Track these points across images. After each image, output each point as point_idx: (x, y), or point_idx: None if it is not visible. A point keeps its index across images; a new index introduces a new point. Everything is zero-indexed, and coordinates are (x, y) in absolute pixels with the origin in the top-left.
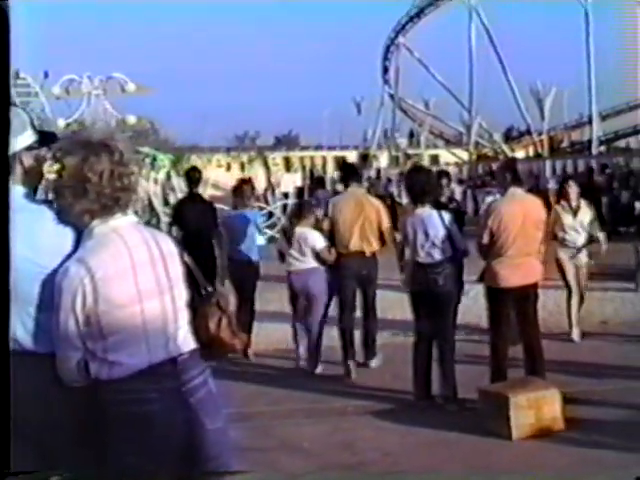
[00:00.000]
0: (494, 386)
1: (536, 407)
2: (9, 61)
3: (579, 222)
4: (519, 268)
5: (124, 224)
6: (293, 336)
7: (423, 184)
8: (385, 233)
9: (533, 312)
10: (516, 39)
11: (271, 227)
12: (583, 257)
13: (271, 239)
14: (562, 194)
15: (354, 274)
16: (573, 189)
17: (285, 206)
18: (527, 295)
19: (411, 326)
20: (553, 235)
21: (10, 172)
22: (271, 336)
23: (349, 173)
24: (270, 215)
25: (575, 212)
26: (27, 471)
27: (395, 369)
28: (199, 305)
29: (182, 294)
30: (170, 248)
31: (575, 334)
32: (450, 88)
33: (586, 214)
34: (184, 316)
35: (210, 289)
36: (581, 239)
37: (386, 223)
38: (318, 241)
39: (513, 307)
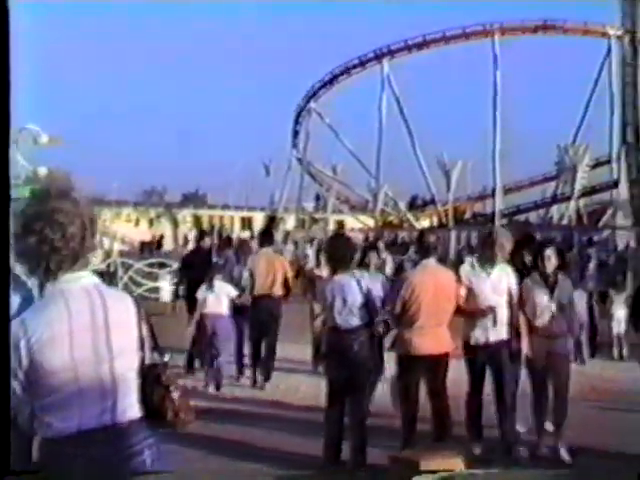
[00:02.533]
0: (404, 452)
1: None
2: (9, 61)
3: (557, 301)
4: (430, 337)
5: (73, 286)
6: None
7: (343, 251)
8: (289, 281)
9: (442, 380)
10: (426, 111)
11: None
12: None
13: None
14: (535, 263)
15: (265, 308)
16: (551, 258)
17: None
18: (437, 364)
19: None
20: (526, 319)
21: (10, 172)
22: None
23: (264, 237)
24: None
25: (552, 288)
26: (27, 471)
27: (306, 431)
28: (146, 377)
29: (128, 364)
30: (120, 317)
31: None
32: (358, 155)
33: (565, 290)
34: (129, 386)
35: (161, 360)
36: (558, 327)
37: (289, 274)
38: (232, 290)
39: (423, 375)
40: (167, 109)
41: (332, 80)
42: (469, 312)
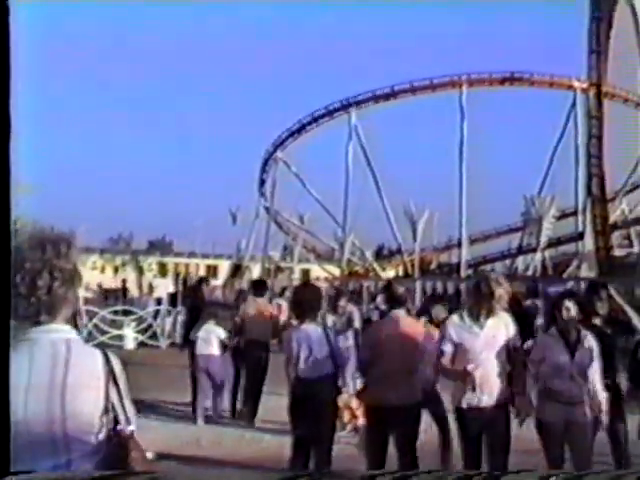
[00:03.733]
0: None
1: None
2: (9, 61)
3: (578, 365)
4: (397, 388)
5: (41, 338)
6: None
7: (310, 300)
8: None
9: (411, 431)
10: (393, 161)
11: (142, 332)
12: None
13: (141, 344)
14: (553, 317)
15: (256, 349)
16: (571, 311)
17: (157, 312)
18: (406, 415)
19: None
20: (536, 379)
21: (10, 170)
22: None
23: (257, 287)
24: (141, 320)
25: (574, 348)
26: (27, 471)
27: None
28: (109, 443)
29: (84, 426)
30: (82, 377)
31: None
32: (325, 204)
33: (587, 353)
34: (84, 448)
35: (127, 427)
36: (579, 392)
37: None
38: (222, 333)
39: (391, 427)
40: (134, 156)
41: (299, 129)
42: (454, 373)
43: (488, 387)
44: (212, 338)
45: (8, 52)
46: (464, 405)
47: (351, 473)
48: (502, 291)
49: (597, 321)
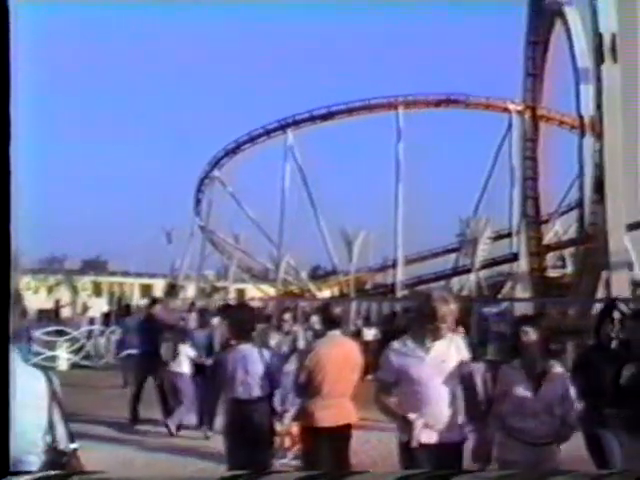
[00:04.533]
0: None
1: None
2: (9, 61)
3: (543, 401)
4: (333, 409)
5: None
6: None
7: (245, 320)
8: None
9: (345, 452)
10: (329, 181)
11: (75, 352)
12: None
13: (75, 365)
14: (512, 345)
15: None
16: (531, 335)
17: (90, 332)
18: (340, 435)
19: None
20: (498, 416)
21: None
22: None
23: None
24: (74, 340)
25: (538, 381)
26: (27, 471)
27: None
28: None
29: (27, 447)
30: (26, 399)
31: None
32: (261, 224)
33: (554, 386)
34: (28, 468)
35: (67, 447)
36: (546, 431)
37: None
38: (190, 352)
39: (326, 448)
40: (66, 173)
41: (236, 149)
42: (393, 414)
43: (438, 423)
44: (182, 357)
45: (8, 52)
46: (413, 443)
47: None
48: (448, 310)
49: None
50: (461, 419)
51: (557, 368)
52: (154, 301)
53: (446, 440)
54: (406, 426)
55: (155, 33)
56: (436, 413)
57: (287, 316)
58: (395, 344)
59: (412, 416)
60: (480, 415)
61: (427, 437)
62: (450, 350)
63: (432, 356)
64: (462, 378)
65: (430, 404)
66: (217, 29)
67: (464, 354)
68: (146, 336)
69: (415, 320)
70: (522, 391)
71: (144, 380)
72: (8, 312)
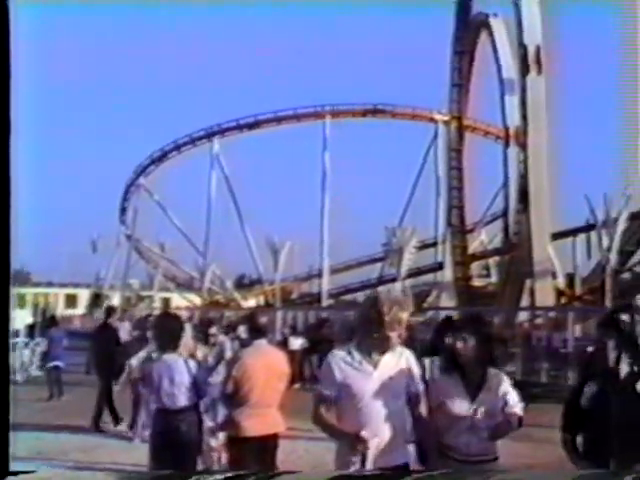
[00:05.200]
0: None
1: None
2: (9, 61)
3: (481, 413)
4: (260, 418)
5: None
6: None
7: (170, 330)
8: None
9: (272, 461)
10: (256, 190)
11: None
12: None
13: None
14: (449, 355)
15: None
16: (468, 344)
17: (14, 344)
18: (267, 445)
19: None
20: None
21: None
22: None
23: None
24: None
25: (476, 389)
26: (27, 471)
27: None
28: None
29: None
30: None
31: None
32: (187, 233)
33: (494, 398)
34: None
35: None
36: (481, 448)
37: None
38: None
39: (253, 457)
40: None
41: (162, 157)
42: (339, 433)
43: (385, 445)
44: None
45: (8, 52)
46: (351, 469)
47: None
48: (398, 316)
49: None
50: (406, 439)
51: (501, 378)
52: (109, 310)
53: (389, 463)
54: (355, 446)
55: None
56: (379, 433)
57: (213, 330)
58: (339, 353)
59: (365, 434)
60: (428, 437)
61: (371, 463)
62: (400, 364)
63: (380, 371)
64: (410, 396)
65: (373, 423)
66: (141, 35)
67: (414, 369)
68: (103, 345)
69: (360, 327)
70: (458, 404)
71: (110, 389)
72: (8, 312)
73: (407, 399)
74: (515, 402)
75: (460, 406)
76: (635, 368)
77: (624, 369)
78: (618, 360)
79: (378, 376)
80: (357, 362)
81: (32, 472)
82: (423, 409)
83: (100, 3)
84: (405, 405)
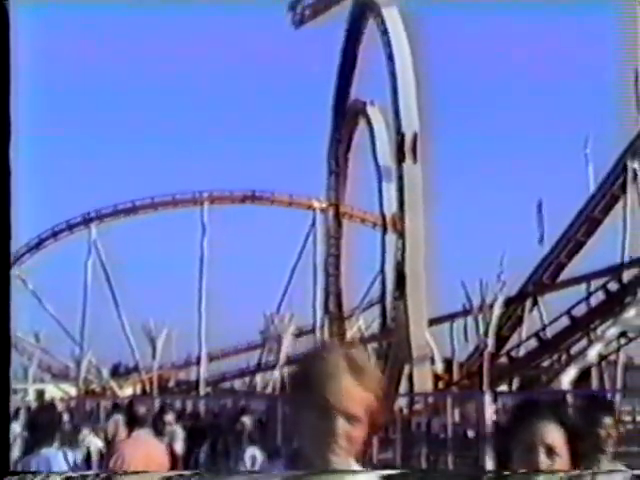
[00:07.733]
0: None
1: None
2: (9, 61)
3: None
4: None
5: None
6: None
7: (45, 424)
8: None
9: None
10: (133, 276)
11: None
12: None
13: None
14: None
15: None
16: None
17: None
18: None
19: None
20: None
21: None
22: None
23: None
24: None
25: None
26: (27, 471)
27: None
28: None
29: None
30: None
31: None
32: (62, 321)
33: None
34: None
35: None
36: None
37: None
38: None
39: None
40: None
41: (38, 244)
42: None
43: None
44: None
45: (8, 52)
46: None
47: None
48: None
49: None
50: None
51: None
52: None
53: None
54: None
55: None
56: None
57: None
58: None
59: None
60: None
61: None
62: None
63: None
64: None
65: None
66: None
67: None
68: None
69: None
70: None
71: None
72: (8, 313)
73: None
74: None
75: None
76: None
77: None
78: None
79: None
80: None
81: (32, 472)
82: None
83: (100, 3)
84: None
